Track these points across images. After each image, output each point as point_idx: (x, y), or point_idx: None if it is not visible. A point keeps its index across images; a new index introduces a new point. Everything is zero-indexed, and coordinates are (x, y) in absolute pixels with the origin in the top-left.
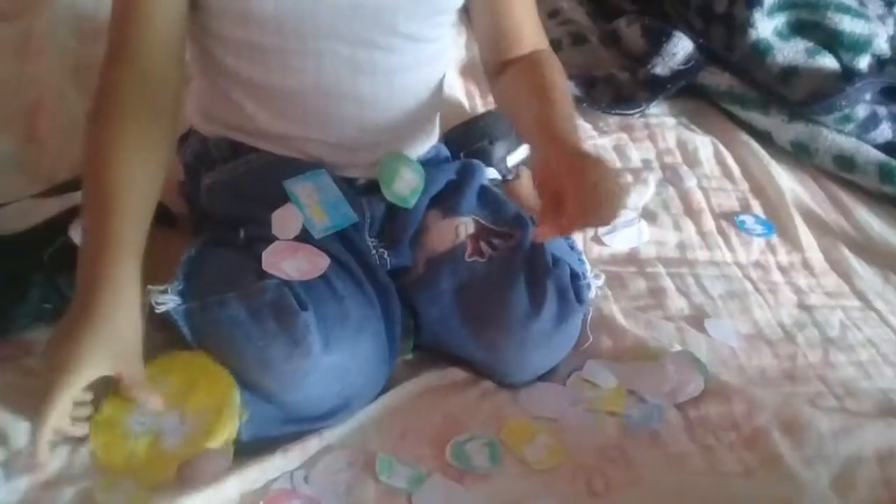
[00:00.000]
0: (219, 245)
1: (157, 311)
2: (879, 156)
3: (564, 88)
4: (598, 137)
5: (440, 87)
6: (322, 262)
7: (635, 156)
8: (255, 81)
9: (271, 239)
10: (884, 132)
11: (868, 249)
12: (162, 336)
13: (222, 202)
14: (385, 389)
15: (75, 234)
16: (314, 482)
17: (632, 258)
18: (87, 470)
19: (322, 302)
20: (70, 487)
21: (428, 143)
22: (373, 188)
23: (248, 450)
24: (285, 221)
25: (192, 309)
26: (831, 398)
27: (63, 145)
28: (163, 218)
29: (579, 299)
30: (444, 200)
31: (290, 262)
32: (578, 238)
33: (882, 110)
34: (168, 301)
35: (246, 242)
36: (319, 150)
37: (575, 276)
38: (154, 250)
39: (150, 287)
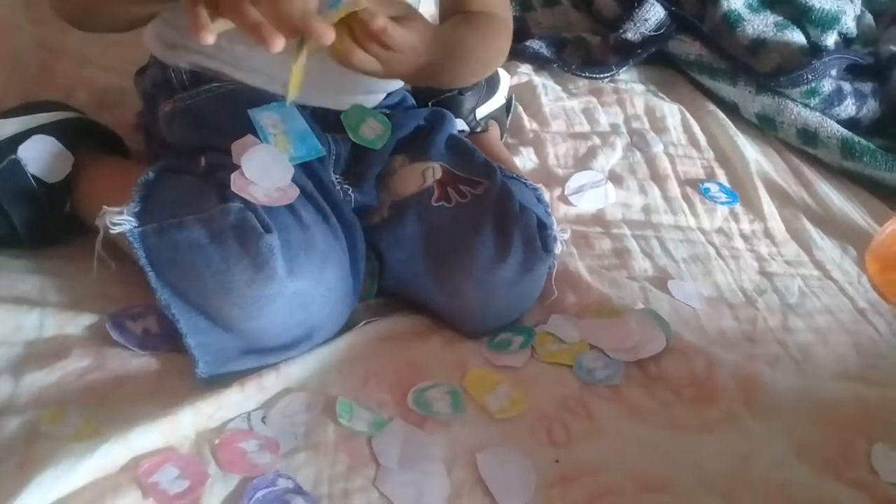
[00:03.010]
0: (178, 172)
1: (111, 231)
2: (842, 131)
3: (481, 35)
4: (567, 99)
5: None
6: (292, 192)
7: (604, 119)
8: None
9: (234, 167)
10: (847, 108)
11: (828, 222)
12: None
13: (182, 129)
14: (347, 331)
15: (105, 220)
16: (272, 423)
17: (598, 219)
18: (33, 400)
19: (287, 228)
20: (15, 418)
21: (394, 84)
22: (339, 125)
23: (203, 387)
24: (246, 150)
25: (149, 231)
26: (789, 361)
27: (12, 75)
28: (116, 147)
29: (546, 248)
30: (412, 146)
31: (258, 186)
32: (546, 195)
33: (847, 86)
34: (123, 222)
35: (207, 170)
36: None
37: (542, 226)
38: (109, 182)
39: (105, 208)
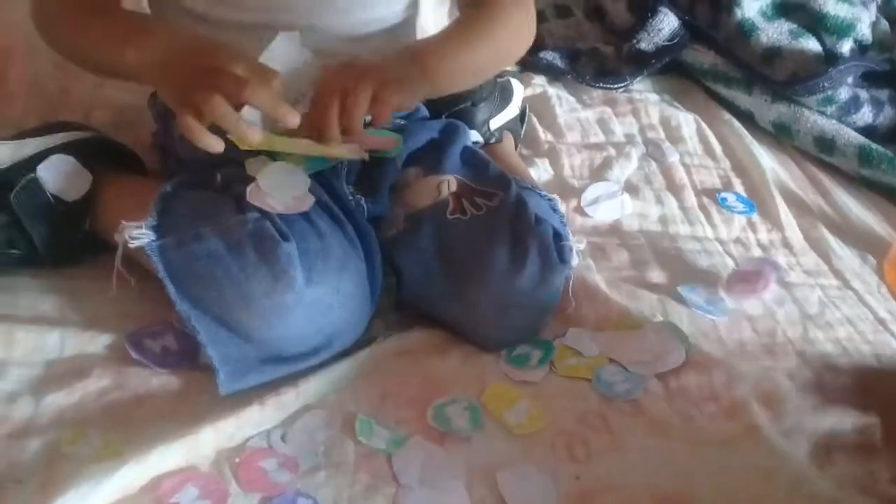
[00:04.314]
0: (195, 187)
1: (130, 245)
2: (859, 139)
3: (481, 31)
4: (581, 110)
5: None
6: (308, 199)
7: (619, 130)
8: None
9: (250, 181)
10: (864, 115)
11: (846, 230)
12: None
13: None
14: (365, 347)
15: (123, 235)
16: (292, 441)
17: (614, 230)
18: (54, 420)
19: (304, 237)
20: (37, 439)
21: None
22: None
23: (224, 405)
24: (260, 167)
25: (167, 244)
26: (809, 374)
27: (32, 96)
28: (134, 166)
29: (561, 259)
30: (427, 158)
31: (274, 196)
32: (561, 205)
33: (863, 93)
34: (142, 236)
35: (223, 184)
36: None
37: (557, 237)
38: (127, 199)
39: (123, 222)
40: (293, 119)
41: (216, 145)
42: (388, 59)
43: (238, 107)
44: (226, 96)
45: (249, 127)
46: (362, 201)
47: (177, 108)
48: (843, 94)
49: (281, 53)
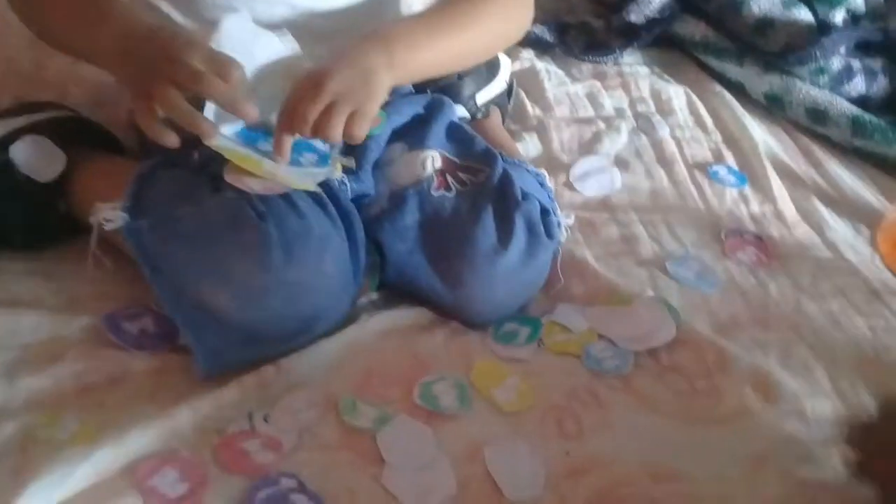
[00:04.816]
0: (172, 167)
1: (105, 228)
2: (852, 109)
3: (463, 16)
4: (570, 84)
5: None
6: None
7: (608, 103)
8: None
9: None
10: (857, 85)
11: (839, 202)
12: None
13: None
14: (349, 325)
15: (98, 217)
16: (274, 421)
17: (604, 205)
18: (28, 404)
19: (282, 217)
20: (10, 423)
21: None
22: None
23: (203, 386)
24: None
25: (143, 226)
26: (803, 346)
27: (6, 73)
28: (111, 145)
29: (549, 234)
30: (411, 134)
31: (252, 177)
32: (549, 180)
33: (856, 63)
34: (118, 218)
35: (200, 163)
36: None
37: (545, 212)
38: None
39: (98, 204)
40: (250, 114)
41: (170, 140)
42: (357, 60)
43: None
44: (179, 88)
45: (206, 122)
46: (345, 179)
47: (132, 98)
48: (836, 64)
49: (231, 37)
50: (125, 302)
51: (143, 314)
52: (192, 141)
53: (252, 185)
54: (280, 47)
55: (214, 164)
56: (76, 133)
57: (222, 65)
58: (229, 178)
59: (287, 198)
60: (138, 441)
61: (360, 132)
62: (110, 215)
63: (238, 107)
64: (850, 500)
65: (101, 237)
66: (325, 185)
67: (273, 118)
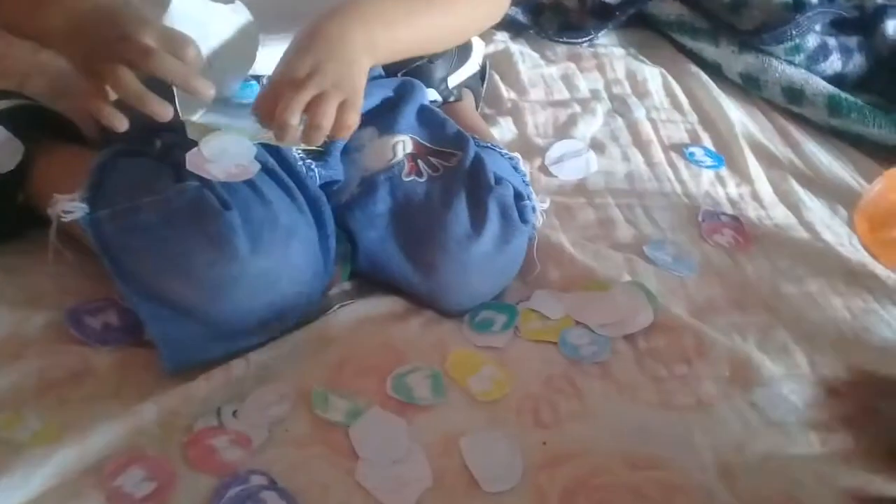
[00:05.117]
0: (133, 155)
1: (64, 219)
2: (829, 88)
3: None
4: (545, 66)
5: None
6: (252, 168)
7: (583, 86)
8: None
9: (191, 145)
10: (833, 63)
11: (816, 182)
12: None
13: (136, 111)
14: (319, 317)
15: (56, 208)
16: (243, 417)
17: (580, 189)
18: None
19: (247, 205)
20: None
21: None
22: None
23: (169, 381)
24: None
25: (102, 217)
26: (781, 328)
27: None
28: (73, 136)
29: (523, 219)
30: (381, 118)
31: (215, 163)
32: (523, 164)
33: (832, 41)
34: (76, 209)
35: (163, 151)
36: None
37: (519, 197)
38: (64, 170)
39: (55, 195)
40: (206, 92)
41: (119, 124)
42: (335, 42)
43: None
44: (131, 67)
45: (159, 103)
46: (312, 166)
47: (83, 79)
48: (812, 41)
49: (183, 13)
50: (88, 296)
51: (106, 308)
52: (156, 128)
53: (215, 173)
54: (233, 18)
55: (178, 151)
56: (36, 123)
57: (176, 42)
58: (191, 165)
59: (252, 184)
60: (103, 439)
61: (353, 122)
62: (69, 206)
63: (193, 84)
64: (830, 478)
65: (61, 229)
66: (290, 170)
67: (228, 91)
